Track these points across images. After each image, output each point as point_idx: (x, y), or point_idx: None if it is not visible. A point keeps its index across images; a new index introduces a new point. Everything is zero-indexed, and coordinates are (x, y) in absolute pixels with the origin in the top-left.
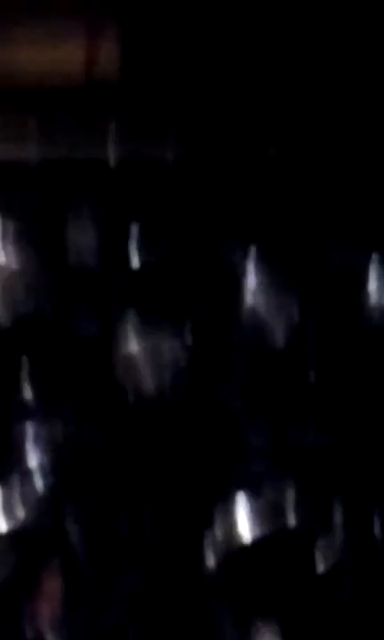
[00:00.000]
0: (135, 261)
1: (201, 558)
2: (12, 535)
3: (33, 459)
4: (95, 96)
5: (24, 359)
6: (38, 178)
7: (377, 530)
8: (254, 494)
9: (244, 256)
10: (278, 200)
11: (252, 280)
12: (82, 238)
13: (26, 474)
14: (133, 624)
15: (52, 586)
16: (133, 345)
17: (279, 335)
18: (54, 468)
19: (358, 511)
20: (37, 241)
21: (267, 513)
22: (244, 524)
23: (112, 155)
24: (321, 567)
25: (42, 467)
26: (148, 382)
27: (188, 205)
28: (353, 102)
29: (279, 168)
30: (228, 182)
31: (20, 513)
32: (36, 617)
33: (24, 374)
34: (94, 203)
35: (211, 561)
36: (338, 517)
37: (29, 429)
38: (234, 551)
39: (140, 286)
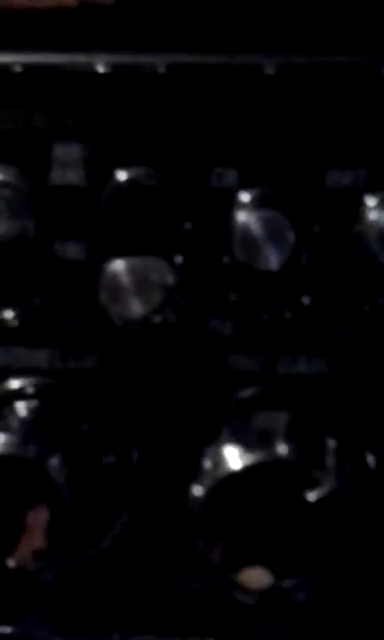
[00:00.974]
0: (123, 178)
1: (188, 488)
2: None
3: (15, 384)
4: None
5: (4, 279)
6: (21, 86)
7: (370, 461)
8: (244, 423)
9: (238, 175)
10: (273, 118)
11: (245, 199)
12: (67, 153)
13: (8, 400)
14: (118, 557)
15: (35, 518)
16: (120, 266)
17: (272, 258)
18: (38, 395)
19: (351, 442)
20: (19, 156)
21: (256, 441)
22: (233, 453)
23: (101, 62)
24: (312, 497)
25: (24, 393)
26: (136, 305)
27: (180, 120)
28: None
29: (276, 84)
30: (221, 97)
31: (0, 440)
32: (18, 549)
33: (5, 298)
34: (81, 114)
35: (198, 491)
36: (330, 447)
37: (12, 354)
38: (221, 480)
39: (127, 205)
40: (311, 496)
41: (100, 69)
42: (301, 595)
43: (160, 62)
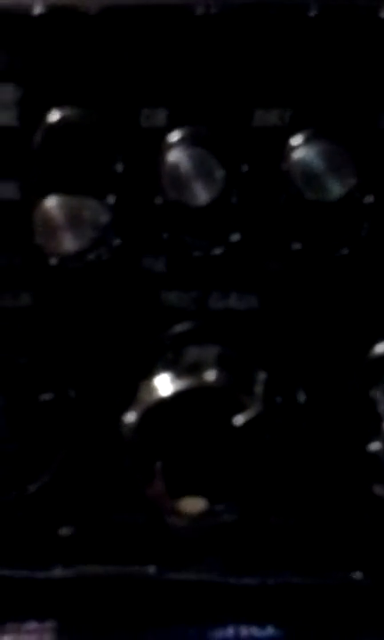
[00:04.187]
0: (55, 118)
1: (122, 416)
2: None
3: None
4: None
5: None
6: None
7: (301, 395)
8: (176, 356)
9: (167, 115)
10: (202, 58)
11: (174, 138)
12: (0, 95)
13: None
14: (58, 491)
15: None
16: (52, 203)
17: (200, 194)
18: None
19: (282, 377)
20: None
21: (187, 370)
22: (164, 380)
23: (37, 4)
24: (239, 420)
25: None
26: (68, 241)
27: (111, 61)
28: None
29: (205, 25)
30: (150, 37)
31: None
32: None
33: None
34: (14, 56)
35: (131, 417)
36: (260, 378)
37: None
38: (152, 406)
39: (60, 145)
40: (238, 419)
41: (35, 11)
42: (231, 517)
43: (91, 4)
